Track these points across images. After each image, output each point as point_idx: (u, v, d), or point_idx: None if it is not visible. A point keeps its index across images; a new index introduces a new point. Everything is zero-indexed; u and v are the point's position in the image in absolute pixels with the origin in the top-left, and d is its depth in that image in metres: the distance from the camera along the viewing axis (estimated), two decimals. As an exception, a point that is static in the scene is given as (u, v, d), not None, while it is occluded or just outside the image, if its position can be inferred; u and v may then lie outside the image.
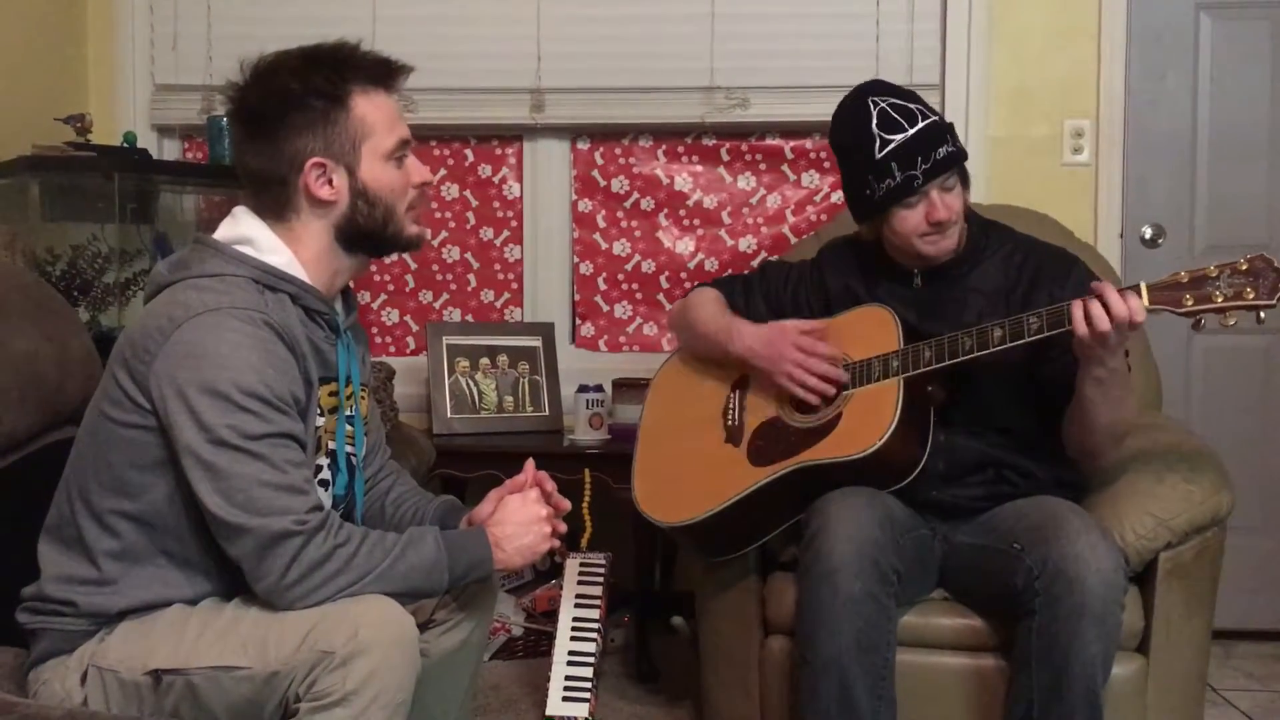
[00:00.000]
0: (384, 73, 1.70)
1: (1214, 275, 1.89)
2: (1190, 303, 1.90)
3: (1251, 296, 1.87)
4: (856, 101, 2.19)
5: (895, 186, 2.11)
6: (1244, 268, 1.88)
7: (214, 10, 3.41)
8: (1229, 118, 3.24)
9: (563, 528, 1.79)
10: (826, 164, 3.44)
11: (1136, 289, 1.93)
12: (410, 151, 1.73)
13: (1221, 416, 3.24)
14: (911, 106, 2.15)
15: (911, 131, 2.11)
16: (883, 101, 2.15)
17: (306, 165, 1.64)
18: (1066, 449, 2.17)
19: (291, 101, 1.64)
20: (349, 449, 1.76)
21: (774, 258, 2.80)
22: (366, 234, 1.70)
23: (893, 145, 2.11)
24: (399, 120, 1.71)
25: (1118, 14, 3.18)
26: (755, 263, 3.16)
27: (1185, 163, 3.26)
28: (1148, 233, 3.27)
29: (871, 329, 2.20)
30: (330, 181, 1.66)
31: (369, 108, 1.67)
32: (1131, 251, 3.26)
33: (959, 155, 2.15)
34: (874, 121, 2.13)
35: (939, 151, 2.11)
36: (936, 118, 2.16)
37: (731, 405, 2.32)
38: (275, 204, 1.68)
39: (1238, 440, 3.13)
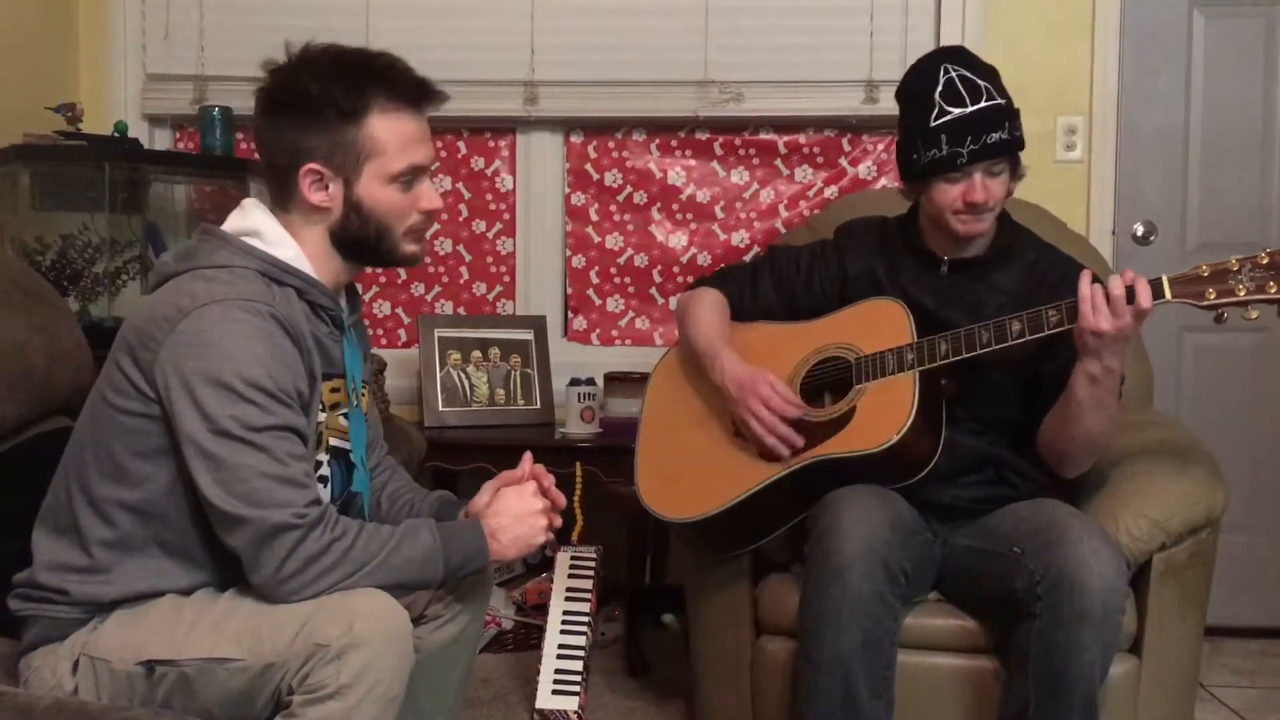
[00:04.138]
0: (412, 94, 1.66)
1: (1235, 269, 1.88)
2: (1213, 295, 1.89)
3: (1274, 290, 1.86)
4: (930, 64, 2.15)
5: (939, 159, 2.08)
6: (1265, 261, 1.87)
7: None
8: (1222, 115, 3.25)
9: (559, 521, 1.79)
10: (819, 159, 3.43)
11: (1158, 281, 1.92)
12: (429, 178, 1.69)
13: (1211, 413, 3.25)
14: (981, 84, 2.10)
15: (971, 109, 2.07)
16: (955, 71, 2.11)
17: (303, 168, 1.63)
18: (1039, 449, 2.15)
19: (304, 103, 1.62)
20: (349, 445, 1.75)
21: (782, 243, 2.71)
22: (359, 244, 1.69)
23: (948, 118, 2.07)
24: (417, 144, 1.66)
25: (1111, 11, 3.19)
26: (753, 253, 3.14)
27: (1177, 160, 3.27)
28: (1139, 229, 3.28)
29: (882, 322, 2.16)
30: (326, 189, 1.64)
31: (384, 128, 1.63)
32: (1123, 248, 3.26)
33: (1012, 144, 2.11)
34: (939, 89, 2.09)
35: (991, 136, 2.07)
36: (1002, 102, 2.11)
37: None
38: (280, 193, 1.68)
39: (1227, 437, 3.12)
